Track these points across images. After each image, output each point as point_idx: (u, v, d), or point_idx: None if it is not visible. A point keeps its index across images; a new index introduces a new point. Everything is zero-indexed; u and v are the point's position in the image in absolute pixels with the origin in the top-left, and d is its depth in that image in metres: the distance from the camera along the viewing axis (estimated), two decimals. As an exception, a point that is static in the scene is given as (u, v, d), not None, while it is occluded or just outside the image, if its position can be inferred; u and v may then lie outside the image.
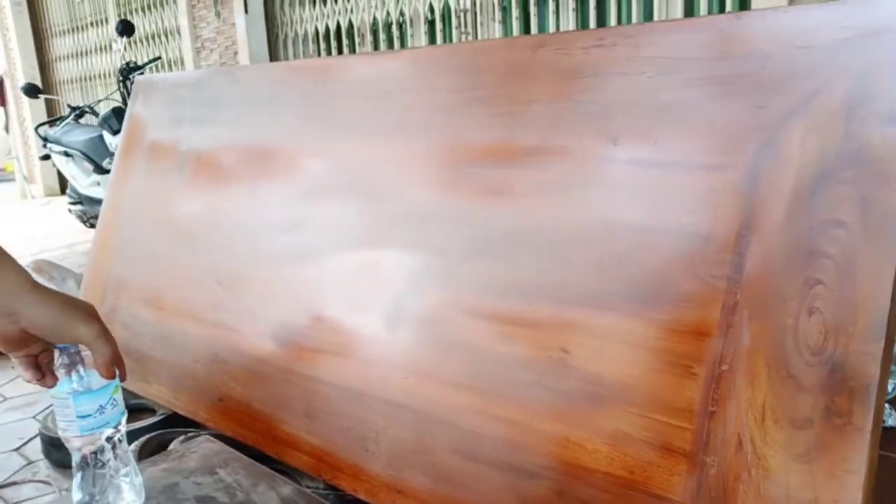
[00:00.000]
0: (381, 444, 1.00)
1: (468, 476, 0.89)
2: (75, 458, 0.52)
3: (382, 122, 1.16)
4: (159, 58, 4.03)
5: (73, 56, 7.00)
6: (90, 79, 6.77)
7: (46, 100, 6.89)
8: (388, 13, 3.68)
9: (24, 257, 3.30)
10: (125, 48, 3.68)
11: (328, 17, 3.99)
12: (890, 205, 0.65)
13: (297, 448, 1.11)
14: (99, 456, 0.51)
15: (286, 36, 4.35)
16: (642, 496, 0.74)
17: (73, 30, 6.94)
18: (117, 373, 0.51)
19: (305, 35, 4.19)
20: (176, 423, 1.35)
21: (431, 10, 3.45)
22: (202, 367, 1.34)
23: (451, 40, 3.37)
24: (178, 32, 5.13)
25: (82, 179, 3.76)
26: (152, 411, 1.51)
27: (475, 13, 3.22)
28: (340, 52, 4.01)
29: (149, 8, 5.57)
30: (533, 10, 2.99)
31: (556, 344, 0.84)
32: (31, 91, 4.20)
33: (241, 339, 1.29)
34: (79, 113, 3.88)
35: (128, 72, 3.44)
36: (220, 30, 4.63)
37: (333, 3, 3.92)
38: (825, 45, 0.71)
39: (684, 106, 0.81)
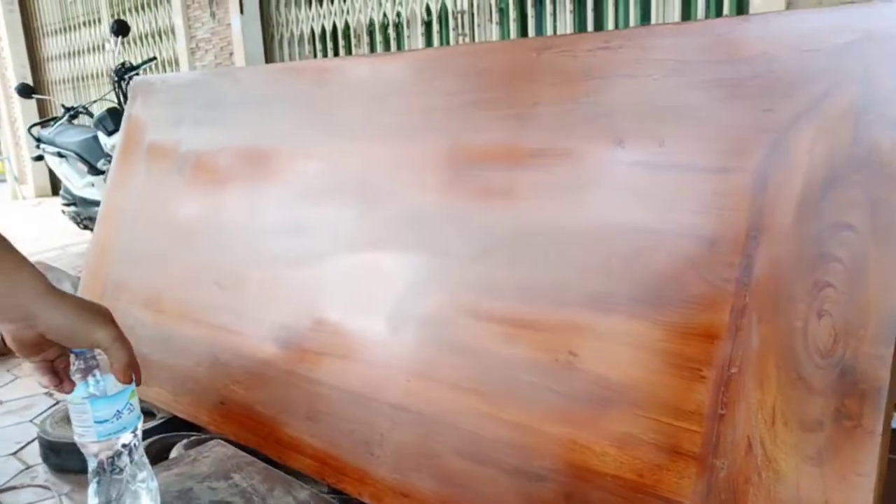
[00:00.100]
0: (385, 448, 1.00)
1: (475, 479, 0.89)
2: (91, 465, 0.51)
3: (384, 124, 1.16)
4: (155, 58, 4.01)
5: (65, 56, 6.96)
6: (83, 79, 6.73)
7: (38, 100, 6.84)
8: (384, 14, 3.67)
9: (17, 259, 3.25)
10: (119, 48, 3.65)
11: (324, 17, 3.99)
12: (899, 208, 0.65)
13: (300, 451, 1.10)
14: (116, 461, 0.50)
15: (282, 37, 4.34)
16: (651, 499, 0.74)
17: (65, 29, 6.90)
18: (133, 377, 0.50)
19: (301, 36, 4.18)
20: (177, 427, 1.34)
21: (428, 11, 3.45)
22: (203, 370, 1.33)
23: (447, 42, 3.37)
24: (173, 32, 5.11)
25: (76, 180, 3.73)
26: (152, 415, 1.50)
27: (472, 15, 3.22)
28: (336, 53, 4.00)
29: (142, 8, 5.55)
30: (530, 11, 3.00)
31: (563, 346, 0.84)
32: (25, 91, 4.17)
33: (242, 342, 1.28)
34: (73, 113, 3.85)
35: (123, 72, 3.42)
36: (215, 30, 4.61)
37: (330, 4, 3.91)
38: (833, 49, 0.72)
39: (691, 108, 0.81)
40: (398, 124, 1.13)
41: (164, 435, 1.33)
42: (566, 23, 2.87)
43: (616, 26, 2.73)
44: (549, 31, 2.94)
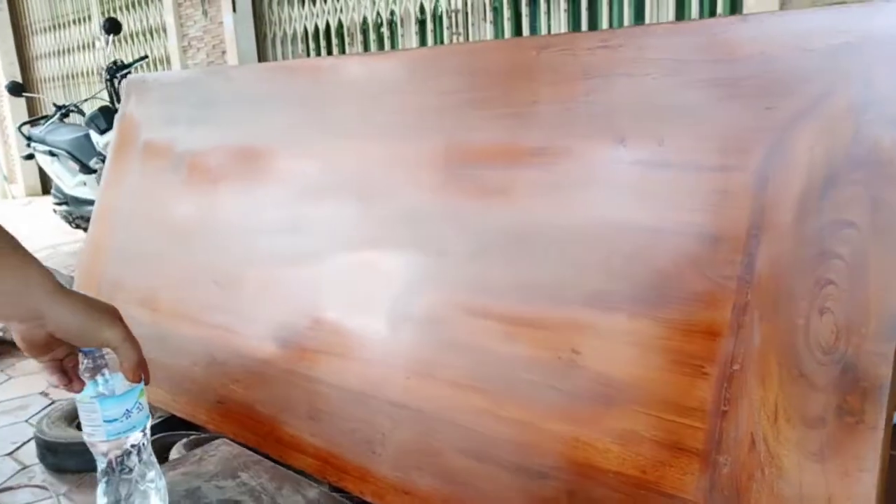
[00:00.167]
0: (387, 446, 1.00)
1: (477, 477, 0.89)
2: (100, 465, 0.51)
3: (382, 123, 1.16)
4: (146, 57, 3.99)
5: (54, 54, 6.91)
6: (73, 77, 6.68)
7: (28, 98, 6.79)
8: (378, 13, 3.67)
9: (8, 258, 3.23)
10: (111, 46, 3.63)
11: (317, 16, 3.98)
12: (900, 206, 0.66)
13: (300, 450, 1.10)
14: (125, 461, 0.50)
15: (275, 35, 4.32)
16: (655, 495, 0.75)
17: (54, 27, 6.85)
18: (142, 376, 0.50)
19: (294, 34, 4.17)
20: (175, 426, 1.34)
21: (422, 10, 3.45)
22: (201, 369, 1.33)
23: (441, 41, 3.37)
24: (164, 31, 5.08)
25: (68, 179, 3.71)
26: (148, 414, 1.50)
27: (466, 14, 3.22)
28: (330, 52, 3.99)
29: (133, 6, 5.51)
30: (524, 10, 3.00)
31: (566, 344, 0.84)
32: (16, 89, 4.14)
33: (240, 341, 1.28)
34: (64, 112, 3.83)
35: (115, 70, 3.40)
36: (207, 28, 4.59)
37: (323, 2, 3.90)
38: (832, 48, 0.72)
39: (691, 107, 0.82)
40: (395, 123, 1.13)
41: (163, 434, 1.32)
42: (560, 22, 2.88)
43: (610, 25, 2.74)
44: (544, 31, 2.95)
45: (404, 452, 0.97)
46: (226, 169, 1.47)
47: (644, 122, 0.85)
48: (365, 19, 3.73)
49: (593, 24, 2.78)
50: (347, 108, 1.23)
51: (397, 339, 1.05)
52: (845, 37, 0.71)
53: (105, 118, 3.33)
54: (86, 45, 6.35)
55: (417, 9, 3.46)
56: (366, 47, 3.75)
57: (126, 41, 5.52)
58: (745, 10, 2.17)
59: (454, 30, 3.27)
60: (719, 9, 2.33)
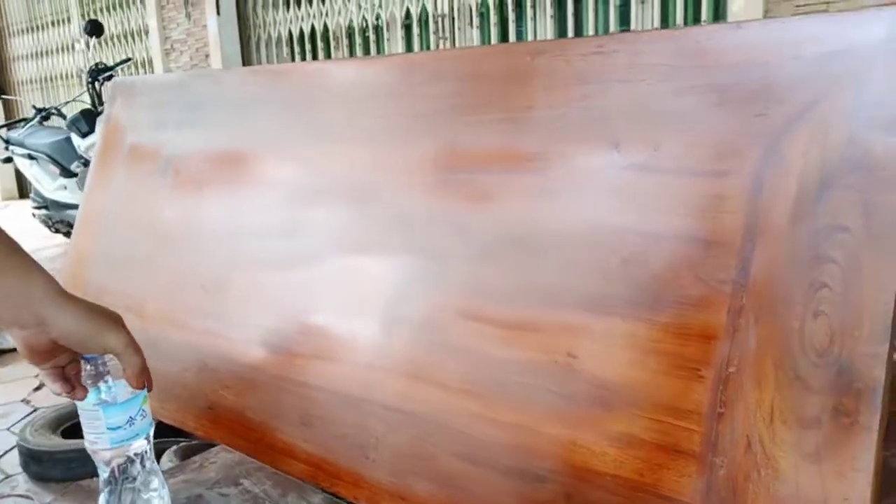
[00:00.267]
0: (381, 451, 0.99)
1: (473, 481, 0.89)
2: (103, 474, 0.50)
3: (374, 127, 1.16)
4: (130, 59, 3.95)
5: (32, 56, 6.81)
6: (51, 79, 6.59)
7: (5, 101, 6.68)
8: (364, 18, 3.67)
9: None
10: (92, 49, 3.59)
11: (303, 20, 3.96)
12: (893, 210, 0.67)
13: (293, 456, 1.09)
14: (128, 469, 0.50)
15: (259, 39, 4.30)
16: (652, 498, 0.75)
17: (32, 29, 6.75)
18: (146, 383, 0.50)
19: (279, 38, 4.15)
20: (163, 433, 1.32)
21: (408, 14, 3.45)
22: (191, 375, 1.31)
23: (428, 45, 3.38)
24: (146, 33, 5.03)
25: (48, 183, 3.65)
26: (135, 421, 1.48)
27: (453, 18, 3.23)
28: (315, 56, 3.98)
29: (114, 7, 5.45)
30: (511, 16, 3.02)
31: (562, 348, 0.85)
32: (-6, 92, 4.07)
33: (231, 346, 1.27)
34: (45, 115, 3.77)
35: (97, 73, 3.36)
36: (190, 31, 4.56)
37: (308, 6, 3.89)
38: (825, 55, 0.74)
39: (685, 113, 0.83)
40: (389, 127, 1.13)
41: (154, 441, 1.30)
42: (546, 27, 2.89)
43: (596, 31, 2.77)
44: (530, 36, 2.97)
45: (399, 457, 0.97)
46: (214, 173, 1.46)
47: (639, 127, 0.85)
48: (351, 23, 3.73)
49: (579, 30, 2.80)
50: (338, 112, 1.22)
51: (390, 343, 1.05)
52: (839, 44, 0.73)
53: (87, 121, 3.29)
54: (65, 47, 6.27)
55: (403, 13, 3.46)
56: (351, 52, 3.75)
57: (107, 44, 5.46)
58: (729, 18, 2.20)
59: (440, 34, 3.27)
60: (703, 15, 2.36)
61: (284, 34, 4.05)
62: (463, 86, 1.04)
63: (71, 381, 0.50)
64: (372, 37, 3.60)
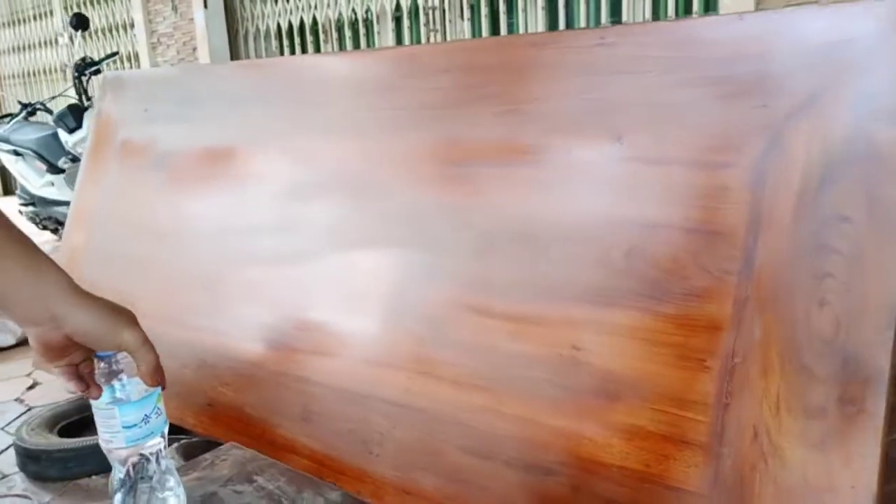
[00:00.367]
0: (385, 446, 0.99)
1: (480, 474, 0.89)
2: (118, 473, 0.49)
3: (376, 120, 1.15)
4: (117, 53, 3.89)
5: (13, 50, 6.69)
6: (34, 74, 6.48)
7: (-14, 97, 6.57)
8: (353, 10, 3.64)
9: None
10: (77, 42, 3.54)
11: (291, 13, 3.93)
12: (895, 200, 0.68)
13: (295, 452, 1.09)
14: (144, 468, 0.49)
15: (247, 32, 4.26)
16: (659, 488, 0.76)
17: (13, 22, 6.63)
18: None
19: (268, 31, 4.11)
20: (162, 430, 1.31)
21: (398, 7, 3.43)
22: (189, 372, 1.30)
23: (418, 38, 3.36)
24: (132, 27, 4.96)
25: (34, 180, 3.60)
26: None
27: (443, 10, 3.21)
28: (304, 49, 3.95)
29: (98, 1, 5.37)
30: (502, 8, 3.00)
31: (567, 341, 0.85)
32: (-23, 87, 4.00)
33: (230, 343, 1.26)
34: (30, 110, 3.72)
35: (84, 67, 3.32)
36: (177, 25, 4.50)
37: (297, -2, 3.86)
38: (827, 46, 0.74)
39: (688, 105, 0.83)
40: (393, 120, 1.12)
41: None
42: (537, 20, 2.89)
43: (587, 24, 2.76)
44: (521, 29, 2.95)
45: (404, 452, 0.97)
46: (207, 168, 1.44)
47: (643, 119, 0.85)
48: (340, 16, 3.70)
49: (570, 22, 2.79)
50: (335, 106, 1.21)
51: (392, 338, 1.04)
52: (840, 35, 0.73)
53: (74, 116, 3.24)
54: (47, 41, 6.16)
55: (393, 6, 3.44)
56: (341, 45, 3.72)
57: (92, 37, 5.38)
58: (721, 10, 2.20)
59: (431, 27, 3.26)
60: (695, 7, 2.36)
61: (273, 27, 4.01)
62: (465, 78, 1.03)
63: (85, 380, 0.49)
64: (362, 30, 3.58)
